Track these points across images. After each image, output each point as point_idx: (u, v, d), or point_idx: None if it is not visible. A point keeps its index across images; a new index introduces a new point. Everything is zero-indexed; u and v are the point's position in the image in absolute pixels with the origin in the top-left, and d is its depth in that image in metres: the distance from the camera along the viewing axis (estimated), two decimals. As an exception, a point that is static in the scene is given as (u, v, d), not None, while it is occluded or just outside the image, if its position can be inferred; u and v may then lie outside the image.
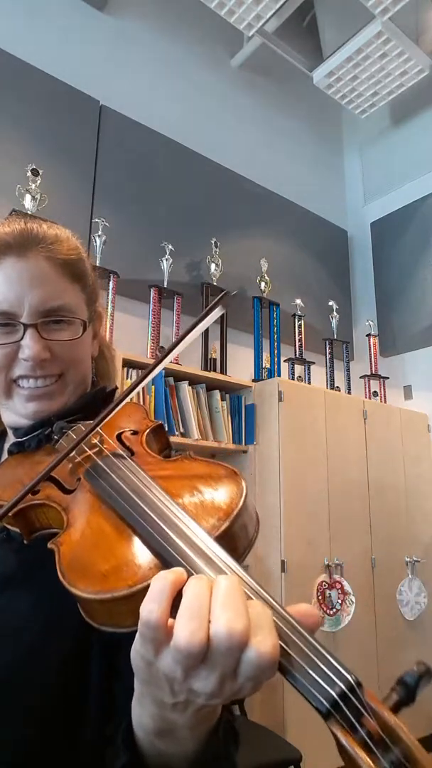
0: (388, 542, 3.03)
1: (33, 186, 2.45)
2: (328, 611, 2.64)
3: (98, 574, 0.41)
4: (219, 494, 0.45)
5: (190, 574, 0.37)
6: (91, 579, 0.41)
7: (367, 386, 3.66)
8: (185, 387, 2.68)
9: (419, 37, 3.37)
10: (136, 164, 3.07)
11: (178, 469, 0.52)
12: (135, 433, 0.62)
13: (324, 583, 2.66)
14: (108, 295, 2.61)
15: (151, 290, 2.78)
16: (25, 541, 0.54)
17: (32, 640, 0.55)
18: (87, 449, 0.57)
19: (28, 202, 2.42)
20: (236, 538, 0.42)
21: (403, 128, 4.19)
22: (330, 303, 3.66)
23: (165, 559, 0.39)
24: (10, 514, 0.51)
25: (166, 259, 2.89)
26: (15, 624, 0.56)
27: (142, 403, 2.48)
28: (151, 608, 0.35)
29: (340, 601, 2.69)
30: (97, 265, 2.62)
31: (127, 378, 2.47)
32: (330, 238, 4.13)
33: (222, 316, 3.07)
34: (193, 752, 0.41)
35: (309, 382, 3.31)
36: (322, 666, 0.33)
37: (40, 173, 2.47)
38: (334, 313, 3.65)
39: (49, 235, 0.68)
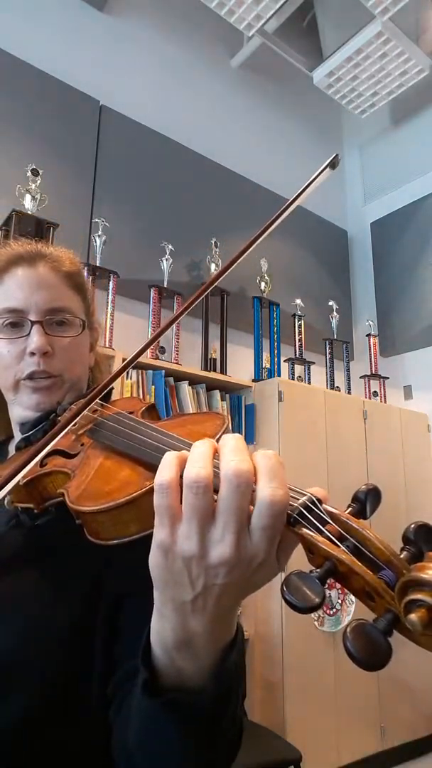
0: (388, 542, 3.02)
1: (33, 186, 2.45)
2: (328, 611, 2.64)
3: (102, 493, 0.45)
4: (205, 425, 0.51)
5: None
6: (97, 498, 0.45)
7: (367, 386, 3.66)
8: (185, 387, 2.68)
9: (419, 37, 3.37)
10: (136, 164, 3.07)
11: (169, 420, 0.60)
12: (131, 413, 0.67)
13: (324, 583, 2.66)
14: (108, 295, 2.61)
15: (151, 290, 2.78)
16: (36, 511, 0.58)
17: (41, 609, 0.60)
18: (88, 421, 0.62)
19: (28, 202, 2.42)
20: None
21: (403, 128, 4.20)
22: (330, 303, 3.66)
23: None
24: (21, 484, 0.54)
25: (166, 259, 2.89)
26: (24, 595, 0.61)
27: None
28: (162, 474, 0.38)
29: (339, 601, 2.69)
30: (97, 265, 2.62)
31: (127, 378, 2.47)
32: (330, 238, 4.13)
33: (222, 316, 3.07)
34: (210, 666, 0.42)
35: (309, 382, 3.31)
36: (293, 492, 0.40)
37: (40, 173, 2.47)
38: (334, 313, 3.65)
39: (54, 253, 0.80)
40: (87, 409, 0.56)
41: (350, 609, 2.73)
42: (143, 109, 3.17)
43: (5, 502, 0.60)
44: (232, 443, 0.39)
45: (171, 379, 2.66)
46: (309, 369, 3.36)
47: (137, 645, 0.45)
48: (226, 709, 0.44)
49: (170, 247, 2.92)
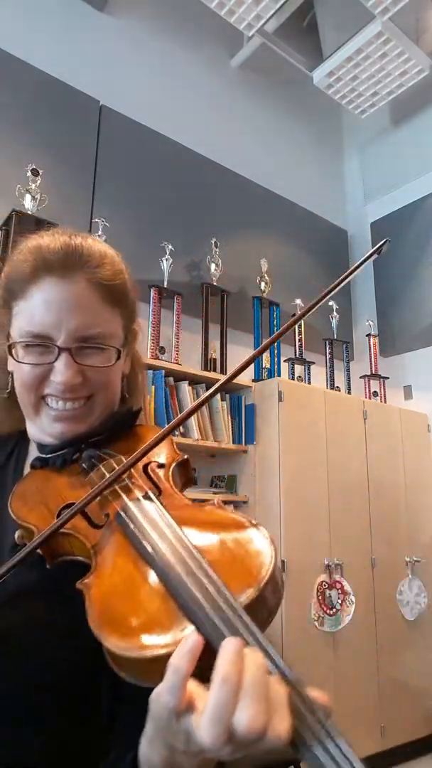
0: (388, 542, 3.03)
1: (33, 186, 2.45)
2: (328, 611, 2.64)
3: (129, 630, 0.41)
4: (250, 558, 0.45)
5: (213, 642, 0.38)
6: (122, 634, 0.41)
7: (367, 386, 3.66)
8: (185, 387, 2.68)
9: (419, 37, 3.36)
10: (136, 164, 3.07)
11: (208, 520, 0.52)
12: (161, 466, 0.62)
13: (324, 583, 2.66)
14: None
15: (151, 290, 2.78)
16: (47, 566, 0.54)
17: (49, 650, 0.57)
18: (115, 485, 0.57)
19: (28, 202, 2.42)
20: (263, 604, 0.43)
21: (403, 128, 4.19)
22: (330, 303, 3.66)
23: (194, 622, 0.40)
24: (37, 549, 0.51)
25: (166, 259, 2.89)
26: (33, 634, 0.58)
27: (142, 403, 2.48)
28: (167, 700, 0.37)
29: (340, 601, 2.69)
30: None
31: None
32: (330, 238, 4.13)
33: (222, 316, 3.07)
34: None
35: (309, 382, 3.31)
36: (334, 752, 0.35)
37: (40, 173, 2.47)
38: (334, 313, 3.65)
39: (95, 256, 0.66)
40: (118, 474, 0.53)
41: (350, 609, 2.73)
42: (143, 109, 3.17)
43: (16, 536, 0.59)
44: (253, 676, 0.36)
45: (171, 379, 2.65)
46: (309, 369, 3.36)
47: (133, 714, 0.44)
48: None
49: (170, 247, 2.92)
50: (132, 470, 0.59)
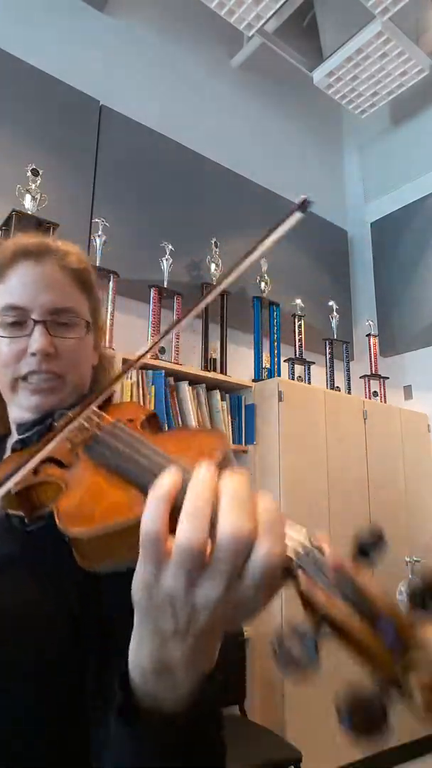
0: (388, 542, 3.02)
1: (33, 186, 2.45)
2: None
3: (93, 515, 0.43)
4: (205, 445, 0.49)
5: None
6: (86, 520, 0.42)
7: (367, 386, 3.66)
8: (185, 387, 2.68)
9: (419, 37, 3.37)
10: (136, 164, 3.07)
11: (168, 434, 0.59)
12: (131, 420, 0.65)
13: (324, 583, 2.66)
14: (108, 295, 2.61)
15: (151, 290, 2.78)
16: (26, 521, 0.55)
17: (34, 619, 0.58)
18: (85, 427, 0.60)
19: (28, 202, 2.42)
20: None
21: (403, 128, 4.20)
22: (330, 303, 3.66)
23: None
24: (13, 492, 0.52)
25: (166, 259, 2.89)
26: (17, 602, 0.58)
27: (142, 403, 2.48)
28: (147, 518, 0.36)
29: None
30: (97, 265, 2.62)
31: (127, 378, 2.47)
32: (330, 238, 4.13)
33: (222, 317, 3.07)
34: (187, 697, 0.42)
35: (309, 382, 3.31)
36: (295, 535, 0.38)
37: (40, 173, 2.47)
38: (334, 313, 3.65)
39: (62, 248, 0.77)
40: (82, 417, 0.55)
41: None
42: (143, 109, 3.17)
43: None
44: (231, 488, 0.36)
45: (171, 379, 2.65)
46: (309, 369, 3.37)
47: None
48: (200, 735, 0.44)
49: (170, 247, 2.92)
50: (103, 416, 0.62)
